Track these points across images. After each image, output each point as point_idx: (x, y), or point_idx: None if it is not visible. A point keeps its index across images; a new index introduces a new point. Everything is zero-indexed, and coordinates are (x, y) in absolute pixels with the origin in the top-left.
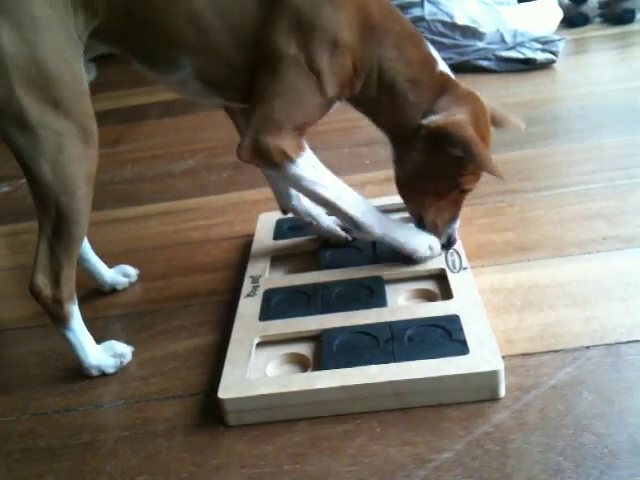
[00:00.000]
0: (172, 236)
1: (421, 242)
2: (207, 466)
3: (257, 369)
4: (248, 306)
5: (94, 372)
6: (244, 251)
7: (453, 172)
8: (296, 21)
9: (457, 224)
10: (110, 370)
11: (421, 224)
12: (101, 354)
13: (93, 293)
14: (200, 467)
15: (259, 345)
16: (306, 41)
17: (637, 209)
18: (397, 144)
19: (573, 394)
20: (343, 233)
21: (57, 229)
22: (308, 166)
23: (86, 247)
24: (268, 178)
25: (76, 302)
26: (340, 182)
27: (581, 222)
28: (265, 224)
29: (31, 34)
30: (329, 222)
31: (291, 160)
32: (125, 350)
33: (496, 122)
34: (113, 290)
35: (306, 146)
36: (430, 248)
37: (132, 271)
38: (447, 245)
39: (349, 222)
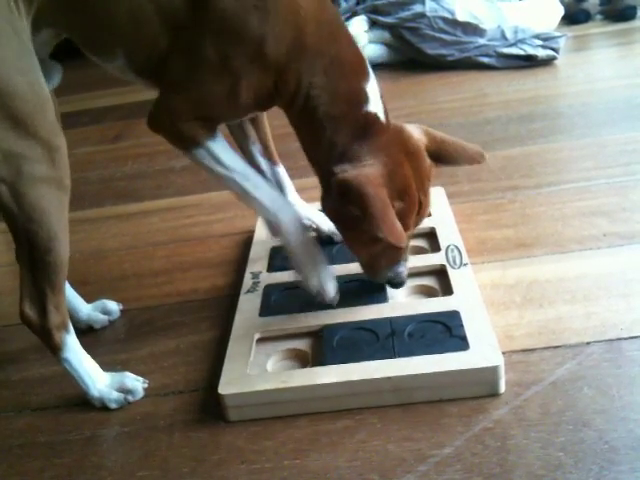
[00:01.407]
0: (173, 232)
1: (321, 283)
2: (207, 461)
3: (257, 365)
4: (248, 302)
5: (96, 403)
6: (244, 247)
7: (367, 227)
8: (220, 25)
9: (403, 266)
10: (112, 405)
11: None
12: (106, 386)
13: (94, 289)
14: (200, 462)
15: (259, 341)
16: (227, 47)
17: (638, 206)
18: (320, 183)
19: (573, 390)
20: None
21: (33, 259)
22: (212, 154)
23: None
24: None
25: (70, 330)
26: (248, 173)
27: (582, 218)
28: None
29: None
30: (330, 226)
31: (199, 143)
32: (135, 387)
33: (445, 158)
34: (90, 329)
35: (215, 132)
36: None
37: (114, 307)
38: (392, 285)
39: (265, 216)
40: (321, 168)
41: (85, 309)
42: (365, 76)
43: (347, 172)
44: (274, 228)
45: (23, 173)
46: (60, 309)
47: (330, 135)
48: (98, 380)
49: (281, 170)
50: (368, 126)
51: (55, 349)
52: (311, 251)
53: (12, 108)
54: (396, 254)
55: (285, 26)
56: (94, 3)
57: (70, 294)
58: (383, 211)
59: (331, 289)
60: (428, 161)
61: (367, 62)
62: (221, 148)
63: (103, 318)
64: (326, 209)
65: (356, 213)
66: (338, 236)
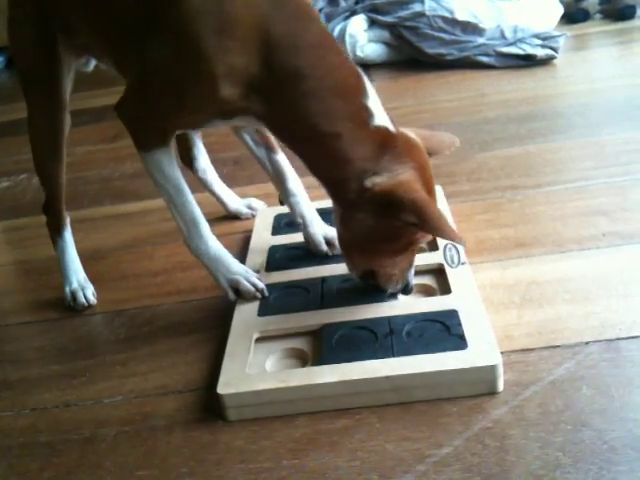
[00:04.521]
0: (172, 231)
1: (226, 285)
2: (206, 461)
3: (256, 364)
4: (247, 301)
5: (67, 294)
6: (244, 246)
7: (406, 233)
8: (177, 39)
9: (412, 271)
10: (68, 297)
11: (364, 278)
12: (78, 283)
13: (96, 288)
14: (199, 462)
15: (258, 340)
16: (178, 61)
17: (637, 205)
18: (338, 202)
19: (572, 390)
20: (325, 247)
21: (37, 176)
22: (155, 163)
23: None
24: (266, 172)
25: (63, 235)
26: (181, 191)
27: (581, 218)
28: (264, 219)
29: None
30: (317, 231)
31: (144, 149)
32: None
33: (432, 150)
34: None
35: (166, 143)
36: (237, 292)
37: (259, 205)
38: (404, 292)
39: (181, 229)
40: (337, 187)
41: (233, 204)
42: (363, 92)
43: (384, 183)
44: (185, 241)
45: (32, 114)
46: (57, 217)
47: (341, 153)
48: (71, 278)
49: (280, 157)
50: (383, 139)
51: (52, 243)
52: (221, 262)
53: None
54: (411, 259)
55: (249, 52)
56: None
57: (221, 192)
58: (437, 214)
59: (246, 287)
60: (429, 160)
61: (364, 78)
62: (166, 160)
63: (247, 211)
64: (350, 226)
65: (410, 221)
66: (316, 247)
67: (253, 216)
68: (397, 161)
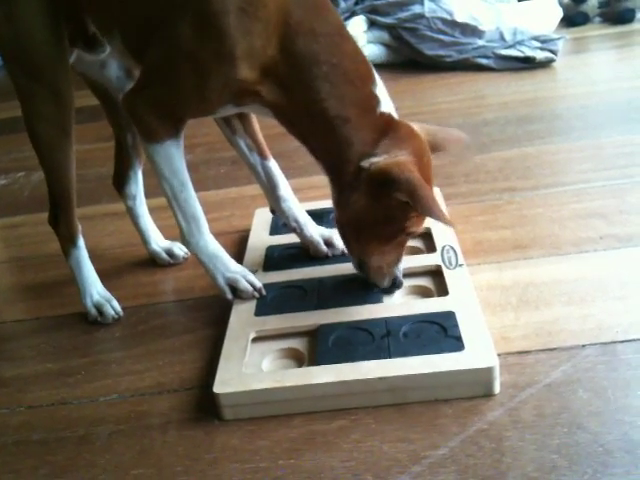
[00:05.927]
0: (169, 230)
1: (223, 284)
2: (201, 460)
3: (253, 364)
4: (244, 301)
5: (87, 309)
6: (242, 246)
7: (398, 216)
8: (201, 18)
9: (402, 265)
10: (92, 311)
11: (361, 268)
12: (97, 295)
13: None
14: (194, 461)
15: (255, 340)
16: (201, 42)
17: (635, 208)
18: (335, 184)
19: (568, 392)
20: (324, 248)
21: (46, 178)
22: (165, 154)
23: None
24: (256, 178)
25: (77, 244)
26: (186, 185)
27: (579, 221)
28: (262, 219)
29: (12, 11)
30: (313, 233)
31: (159, 140)
32: (111, 309)
33: (437, 146)
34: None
35: (178, 133)
36: (234, 291)
37: (180, 252)
38: (393, 287)
39: (180, 226)
40: (337, 170)
41: (155, 244)
42: (372, 80)
43: (380, 162)
44: (184, 238)
45: (34, 109)
46: (69, 225)
47: (345, 136)
48: (91, 291)
49: (272, 164)
50: (386, 125)
51: (64, 255)
52: (219, 260)
53: (28, 60)
54: (401, 250)
55: (268, 35)
56: None
57: (149, 227)
58: (430, 195)
59: (245, 286)
60: (429, 152)
61: (372, 68)
62: (176, 152)
63: (165, 258)
64: (345, 208)
65: (402, 199)
66: (316, 249)
67: (170, 264)
68: (396, 146)
